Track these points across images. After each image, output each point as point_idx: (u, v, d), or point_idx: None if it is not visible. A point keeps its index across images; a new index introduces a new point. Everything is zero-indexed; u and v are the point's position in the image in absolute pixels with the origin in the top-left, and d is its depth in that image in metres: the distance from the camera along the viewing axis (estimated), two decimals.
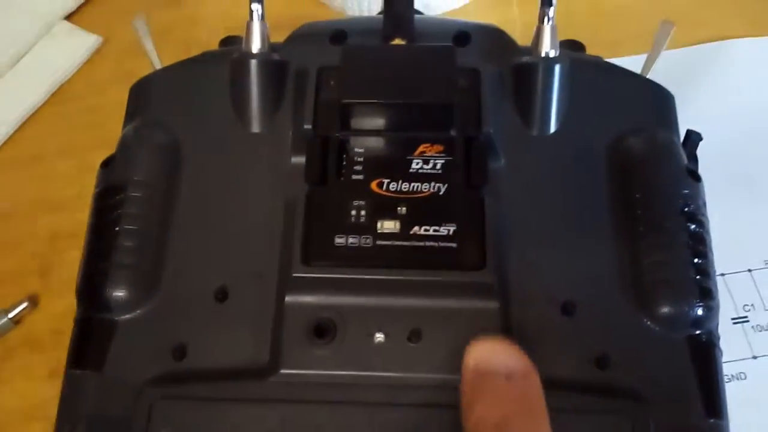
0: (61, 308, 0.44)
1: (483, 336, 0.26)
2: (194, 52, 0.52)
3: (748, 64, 0.48)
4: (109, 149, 0.47)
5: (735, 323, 0.40)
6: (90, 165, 0.48)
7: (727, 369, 0.38)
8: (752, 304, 0.41)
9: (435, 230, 0.30)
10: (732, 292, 0.41)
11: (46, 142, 0.49)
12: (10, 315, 0.42)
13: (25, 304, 0.43)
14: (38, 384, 0.42)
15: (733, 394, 0.37)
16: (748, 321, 0.40)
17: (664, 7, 0.52)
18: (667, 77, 0.37)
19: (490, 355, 0.25)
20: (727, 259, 0.41)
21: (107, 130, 0.48)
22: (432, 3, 0.51)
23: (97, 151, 0.48)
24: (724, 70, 0.48)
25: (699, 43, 0.50)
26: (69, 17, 0.53)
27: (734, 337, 0.40)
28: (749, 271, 0.42)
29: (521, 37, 0.49)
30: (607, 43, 0.49)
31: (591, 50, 0.39)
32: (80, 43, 0.52)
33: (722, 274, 0.41)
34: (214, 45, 0.51)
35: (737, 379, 0.39)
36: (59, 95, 0.51)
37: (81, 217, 0.46)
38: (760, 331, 0.40)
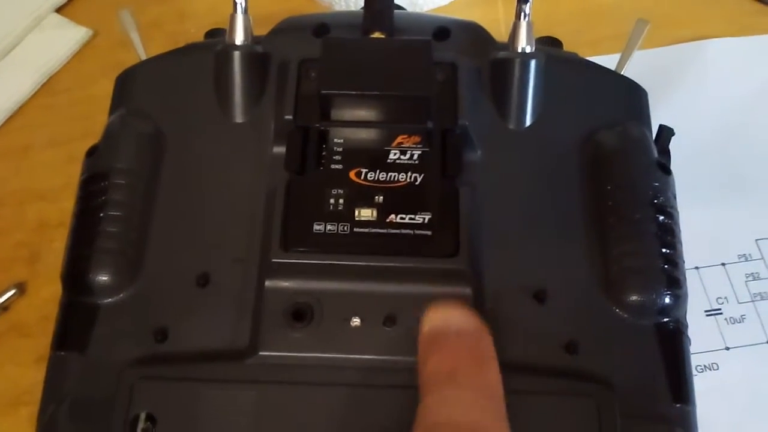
0: (49, 295, 0.44)
1: (437, 302, 0.27)
2: (182, 45, 0.53)
3: (726, 64, 0.49)
4: (95, 140, 0.48)
5: (708, 315, 0.41)
6: (78, 156, 0.48)
7: (700, 359, 0.40)
8: (725, 297, 0.41)
9: (411, 218, 0.31)
10: (706, 285, 0.42)
11: (35, 133, 0.50)
12: None
13: (12, 291, 0.43)
14: (26, 369, 0.42)
15: (705, 384, 0.39)
16: (721, 313, 0.41)
17: (643, 7, 0.52)
18: (647, 76, 0.38)
19: (443, 316, 0.27)
20: (702, 253, 0.42)
21: (95, 122, 0.48)
22: (419, 0, 0.52)
23: (85, 141, 0.48)
24: (703, 69, 0.49)
25: (678, 43, 0.50)
26: (59, 10, 0.54)
27: (708, 328, 0.41)
28: (723, 264, 0.42)
29: (505, 35, 0.50)
30: (588, 41, 0.50)
31: (572, 48, 0.40)
32: (70, 36, 0.53)
33: (696, 268, 0.42)
34: (202, 39, 0.52)
35: (710, 369, 0.40)
36: (48, 87, 0.51)
37: (69, 206, 0.46)
38: (733, 323, 0.41)
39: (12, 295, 0.43)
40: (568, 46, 0.40)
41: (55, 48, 0.52)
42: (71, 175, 0.48)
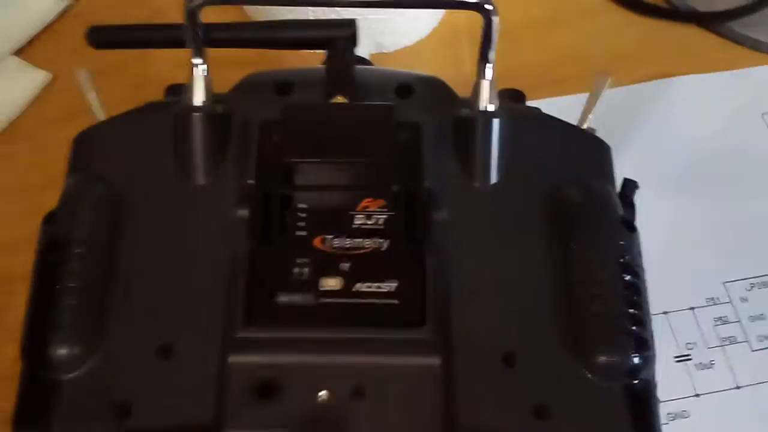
0: (13, 353, 0.43)
1: None
2: (146, 89, 0.52)
3: (690, 101, 0.50)
4: (57, 190, 0.47)
5: (678, 361, 0.41)
6: (41, 206, 0.47)
7: (670, 407, 0.40)
8: (695, 342, 0.42)
9: (377, 287, 0.31)
10: (674, 330, 0.42)
11: None
12: None
13: None
14: None
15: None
16: (690, 359, 0.41)
17: (606, 47, 0.53)
18: (614, 115, 0.39)
19: None
20: (670, 297, 0.43)
21: (57, 170, 0.47)
22: (386, 41, 0.52)
23: (47, 191, 0.48)
24: (667, 107, 0.49)
25: (642, 81, 0.51)
26: (18, 53, 0.53)
27: (677, 375, 0.41)
28: (692, 308, 0.43)
29: (470, 74, 0.50)
30: (552, 81, 0.50)
31: (536, 88, 0.40)
32: (29, 80, 0.52)
33: (665, 312, 0.42)
34: (165, 81, 0.52)
35: (680, 417, 0.40)
36: (8, 134, 0.50)
37: (32, 259, 0.46)
38: (703, 369, 0.41)
39: None
40: (531, 87, 0.40)
41: (13, 93, 0.52)
42: (33, 227, 0.47)
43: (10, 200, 0.48)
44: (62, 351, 0.30)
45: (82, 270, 0.32)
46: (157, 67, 0.53)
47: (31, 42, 0.54)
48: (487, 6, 0.32)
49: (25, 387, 0.31)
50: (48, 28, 0.54)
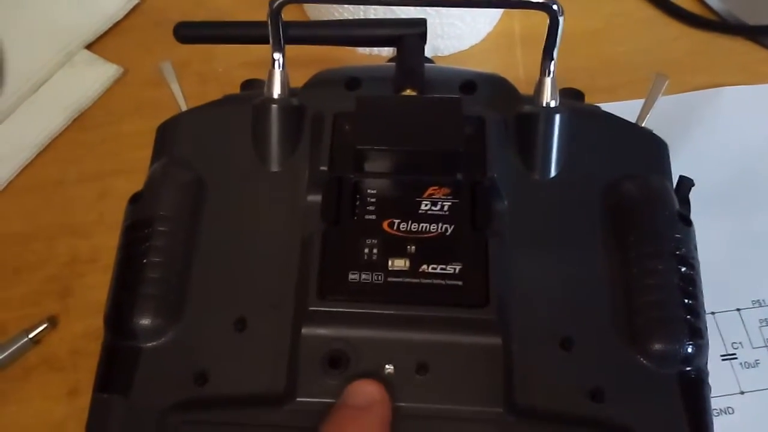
0: (80, 330, 0.45)
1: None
2: (210, 84, 0.55)
3: (740, 111, 0.51)
4: (126, 176, 0.50)
5: (724, 360, 0.42)
6: (108, 191, 0.50)
7: (715, 404, 0.41)
8: (740, 342, 0.43)
9: (442, 269, 0.32)
10: (721, 330, 0.43)
11: (66, 168, 0.51)
12: (30, 335, 0.44)
13: (44, 325, 0.44)
14: (57, 403, 0.43)
15: (721, 428, 0.40)
16: (736, 358, 0.42)
17: (659, 56, 0.54)
18: (664, 122, 0.40)
19: (346, 392, 0.30)
20: (717, 299, 0.43)
21: (125, 159, 0.51)
22: (441, 45, 0.53)
23: (115, 178, 0.51)
24: (717, 116, 0.50)
25: (692, 90, 0.52)
26: (89, 47, 0.55)
27: (723, 373, 0.42)
28: (738, 310, 0.44)
29: (523, 77, 0.52)
30: (604, 88, 0.51)
31: (589, 95, 0.41)
32: (100, 73, 0.54)
33: (712, 313, 0.43)
34: (229, 78, 0.54)
35: (726, 413, 0.41)
36: (79, 123, 0.53)
37: (99, 242, 0.48)
38: (748, 367, 0.42)
39: (44, 329, 0.44)
40: (585, 92, 0.41)
41: (85, 84, 0.54)
42: (102, 211, 0.50)
43: (80, 186, 0.50)
44: (145, 321, 0.32)
45: (165, 246, 0.33)
46: (219, 65, 0.55)
47: (102, 37, 0.56)
48: (553, 6, 0.34)
49: (108, 355, 0.33)
50: (117, 25, 0.56)
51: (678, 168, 0.38)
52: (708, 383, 0.32)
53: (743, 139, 0.50)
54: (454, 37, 0.53)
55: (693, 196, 0.38)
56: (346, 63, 0.48)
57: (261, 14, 0.37)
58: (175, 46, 0.41)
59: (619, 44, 0.55)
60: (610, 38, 0.55)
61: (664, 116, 0.44)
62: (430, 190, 0.34)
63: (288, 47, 0.36)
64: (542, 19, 0.34)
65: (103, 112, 0.53)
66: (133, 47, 0.56)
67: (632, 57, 0.54)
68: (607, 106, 0.40)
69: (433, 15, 0.50)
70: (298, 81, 0.38)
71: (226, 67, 0.55)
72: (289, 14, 0.35)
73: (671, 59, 0.54)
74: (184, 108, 0.39)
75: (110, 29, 0.56)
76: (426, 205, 0.34)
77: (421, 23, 0.38)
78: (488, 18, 0.54)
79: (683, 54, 0.54)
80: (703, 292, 0.34)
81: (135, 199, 0.35)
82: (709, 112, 0.51)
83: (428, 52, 0.52)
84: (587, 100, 0.41)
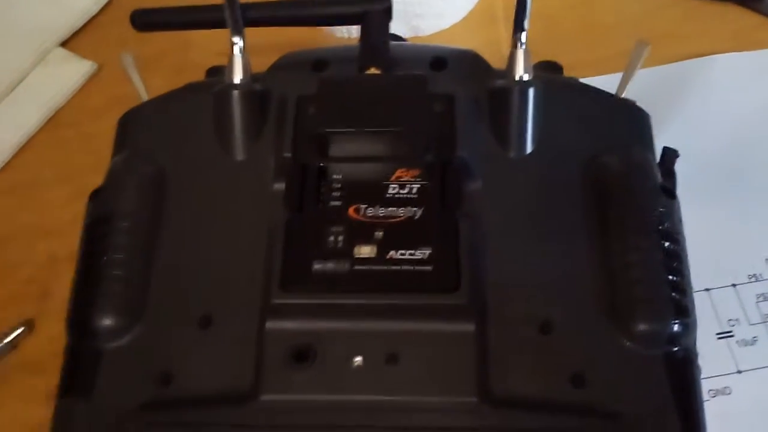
0: (60, 332, 0.44)
1: None
2: (187, 75, 0.53)
3: (731, 79, 0.49)
4: (102, 174, 0.48)
5: (720, 338, 0.40)
6: (85, 190, 0.49)
7: (711, 384, 0.39)
8: (737, 319, 0.41)
9: (411, 254, 0.31)
10: (716, 307, 0.41)
11: (42, 168, 0.50)
12: (7, 339, 0.43)
13: (21, 329, 0.44)
14: (37, 407, 0.42)
15: (718, 409, 0.38)
16: (732, 336, 0.41)
17: (648, 25, 0.52)
18: (651, 93, 0.38)
19: None
20: (712, 274, 0.42)
21: (102, 157, 0.49)
22: (422, 25, 0.52)
23: (92, 176, 0.49)
24: (708, 85, 0.49)
25: (681, 59, 0.50)
26: (64, 44, 0.54)
27: (719, 351, 0.40)
28: (734, 285, 0.42)
29: (506, 56, 0.50)
30: (590, 61, 0.49)
31: (574, 68, 0.40)
32: (75, 70, 0.53)
33: (707, 289, 0.42)
34: (205, 68, 0.52)
35: (722, 393, 0.39)
36: (54, 121, 0.52)
37: (77, 241, 0.47)
38: (745, 345, 0.40)
39: (20, 333, 0.44)
40: (569, 66, 0.40)
41: (60, 82, 0.53)
42: (80, 210, 0.48)
43: (55, 185, 0.49)
44: (106, 321, 0.31)
45: (125, 243, 0.33)
46: (196, 55, 0.54)
47: (77, 34, 0.55)
48: None
49: (70, 357, 0.32)
50: (92, 21, 0.55)
51: (671, 140, 0.37)
52: (697, 364, 0.31)
53: (738, 109, 0.48)
54: (434, 16, 0.52)
55: (686, 168, 0.36)
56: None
57: None
58: (150, 38, 0.40)
59: (606, 14, 0.53)
60: (598, 9, 0.53)
61: (655, 87, 0.43)
62: (398, 173, 0.33)
63: (261, 32, 0.35)
64: None
65: (78, 110, 0.52)
66: (108, 43, 0.54)
67: (618, 27, 0.52)
68: (595, 80, 0.39)
69: None
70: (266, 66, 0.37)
71: (203, 56, 0.53)
72: None
73: (661, 28, 0.52)
74: (145, 98, 0.38)
75: (84, 25, 0.55)
76: (394, 188, 0.32)
77: None
78: None
79: (674, 22, 0.52)
80: (697, 267, 0.32)
81: (95, 195, 0.34)
82: (701, 81, 0.49)
83: (408, 33, 0.51)
84: (573, 73, 0.39)
